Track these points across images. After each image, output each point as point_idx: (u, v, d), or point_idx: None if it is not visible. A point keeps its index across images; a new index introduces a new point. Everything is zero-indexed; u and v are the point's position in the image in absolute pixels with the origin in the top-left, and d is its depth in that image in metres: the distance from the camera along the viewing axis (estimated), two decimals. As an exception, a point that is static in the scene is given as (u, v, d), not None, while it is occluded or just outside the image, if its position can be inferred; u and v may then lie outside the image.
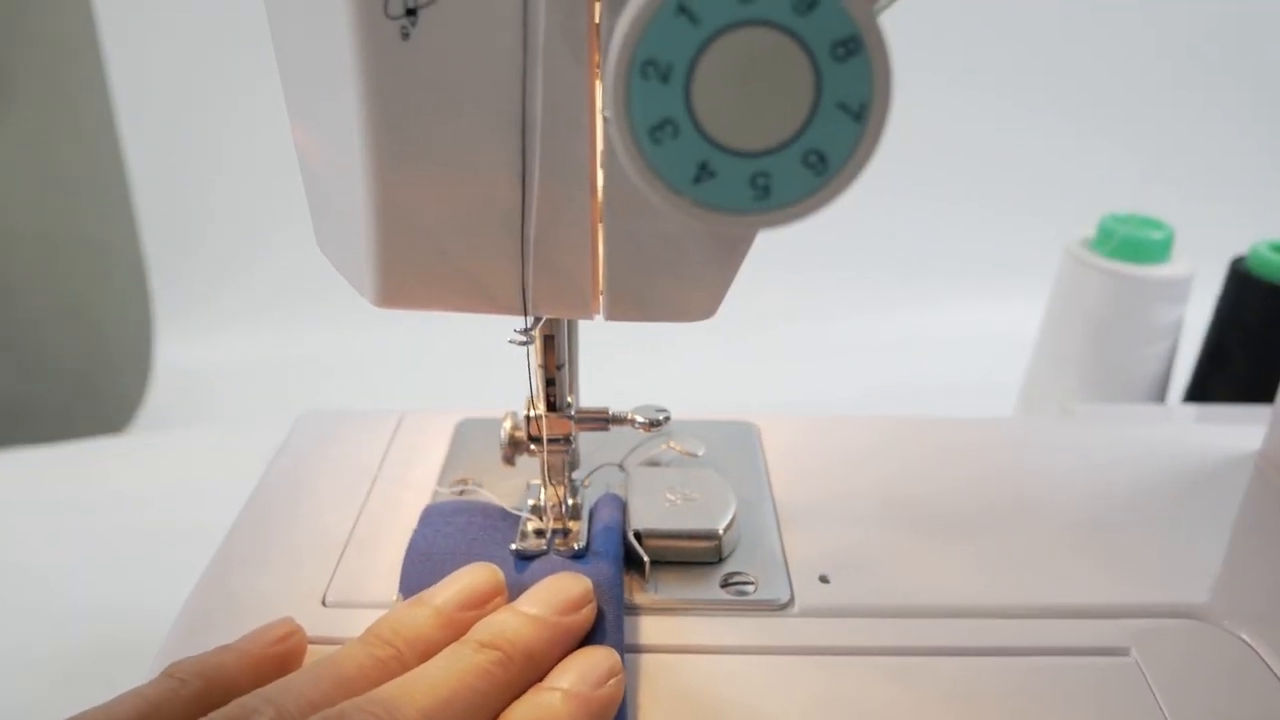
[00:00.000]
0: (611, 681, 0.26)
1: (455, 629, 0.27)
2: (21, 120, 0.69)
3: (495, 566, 0.29)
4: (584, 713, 0.25)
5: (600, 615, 0.29)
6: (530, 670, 0.26)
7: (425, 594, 0.28)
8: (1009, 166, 0.88)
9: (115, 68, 0.72)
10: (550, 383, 0.31)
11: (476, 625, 0.27)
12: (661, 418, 0.32)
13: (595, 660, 0.27)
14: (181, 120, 0.80)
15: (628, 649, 0.30)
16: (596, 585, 0.30)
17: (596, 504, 0.34)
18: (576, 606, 0.28)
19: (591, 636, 0.28)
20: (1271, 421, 0.41)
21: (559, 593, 0.28)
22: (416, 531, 0.33)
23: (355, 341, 0.78)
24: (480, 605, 0.28)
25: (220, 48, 0.77)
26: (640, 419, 0.32)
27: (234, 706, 0.23)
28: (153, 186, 0.77)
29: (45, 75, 0.70)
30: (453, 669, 0.24)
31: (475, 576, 0.29)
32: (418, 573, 0.31)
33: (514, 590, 0.30)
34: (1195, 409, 0.52)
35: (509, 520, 0.34)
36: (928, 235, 0.88)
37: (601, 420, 0.33)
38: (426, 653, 0.26)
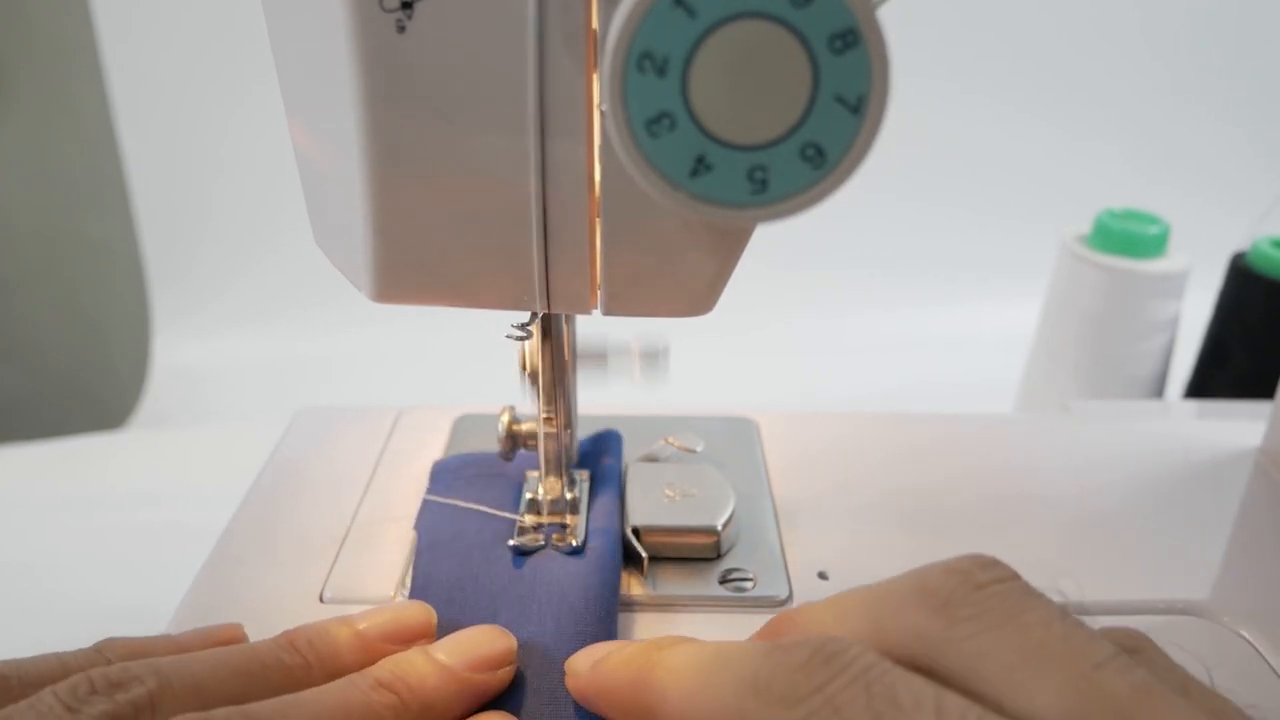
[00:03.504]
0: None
1: (370, 657, 0.26)
2: (21, 120, 0.69)
3: (430, 606, 0.28)
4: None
5: (593, 624, 0.29)
6: None
7: (352, 615, 0.27)
8: (1006, 165, 0.88)
9: (115, 68, 0.72)
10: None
11: (383, 661, 0.25)
12: (660, 346, 0.32)
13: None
14: (180, 120, 0.80)
15: (626, 645, 0.30)
16: (594, 582, 0.30)
17: (594, 495, 0.34)
18: (493, 665, 0.26)
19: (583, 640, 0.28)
20: (1272, 417, 0.41)
21: (479, 646, 0.26)
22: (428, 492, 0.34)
23: (353, 338, 0.78)
24: (404, 642, 0.27)
25: (220, 48, 0.77)
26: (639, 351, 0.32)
27: (118, 669, 0.22)
28: (151, 186, 0.77)
29: (45, 75, 0.70)
30: (340, 702, 0.23)
31: (408, 611, 0.28)
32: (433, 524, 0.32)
33: (513, 589, 0.30)
34: (1195, 405, 0.52)
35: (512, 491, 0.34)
36: (926, 233, 0.88)
37: (599, 357, 0.32)
38: (334, 671, 0.25)
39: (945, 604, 0.20)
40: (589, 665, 0.25)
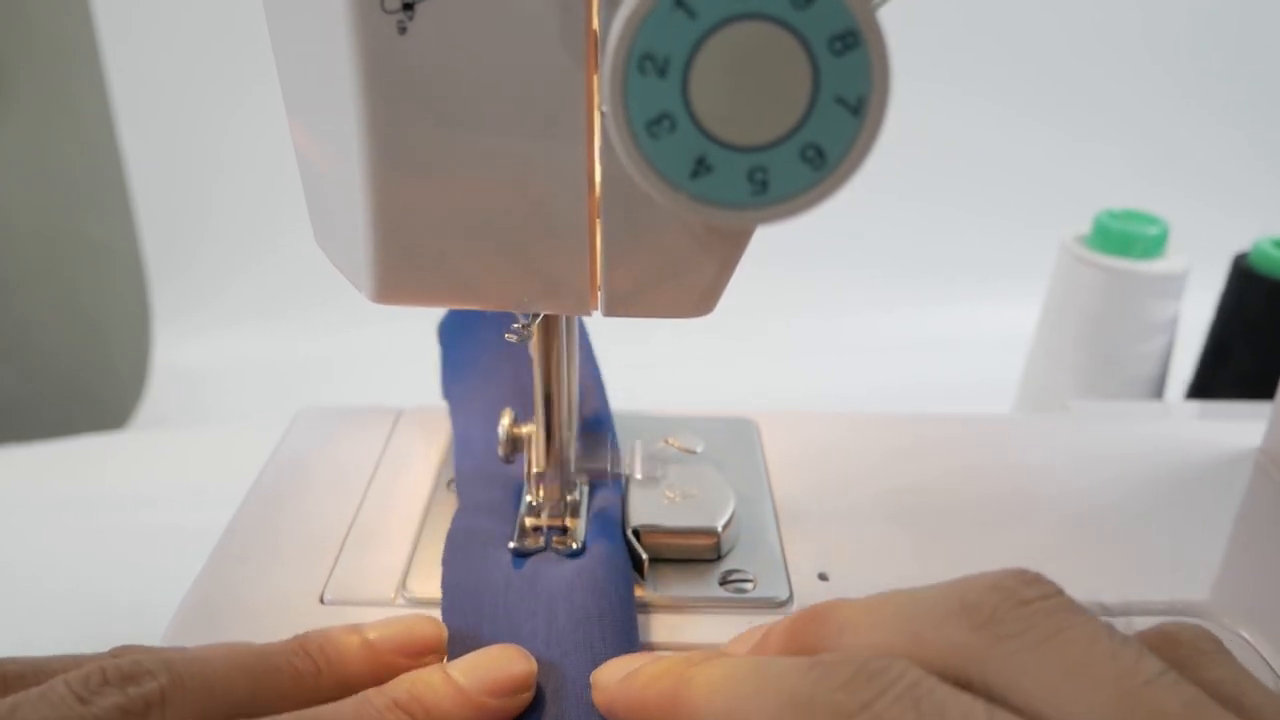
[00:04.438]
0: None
1: (379, 667, 0.26)
2: (21, 120, 0.69)
3: (441, 623, 0.28)
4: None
5: (609, 634, 0.28)
6: None
7: (363, 625, 0.27)
8: (1006, 165, 0.88)
9: (115, 68, 0.72)
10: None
11: (399, 679, 0.25)
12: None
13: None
14: (180, 120, 0.80)
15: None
16: (601, 587, 0.29)
17: (595, 500, 0.34)
18: (512, 690, 0.25)
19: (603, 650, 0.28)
20: (1272, 417, 0.41)
21: (498, 669, 0.26)
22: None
23: (353, 338, 0.78)
24: (414, 656, 0.27)
25: (220, 48, 0.77)
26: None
27: (130, 663, 0.22)
28: (152, 186, 0.77)
29: (45, 75, 0.70)
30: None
31: (419, 625, 0.27)
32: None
33: (513, 585, 0.30)
34: (1195, 405, 0.52)
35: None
36: (926, 234, 0.88)
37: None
38: (342, 681, 0.25)
39: (989, 620, 0.19)
40: (617, 679, 0.24)
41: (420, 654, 0.27)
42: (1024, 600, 0.19)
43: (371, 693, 0.24)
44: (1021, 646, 0.18)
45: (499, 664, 0.26)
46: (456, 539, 0.32)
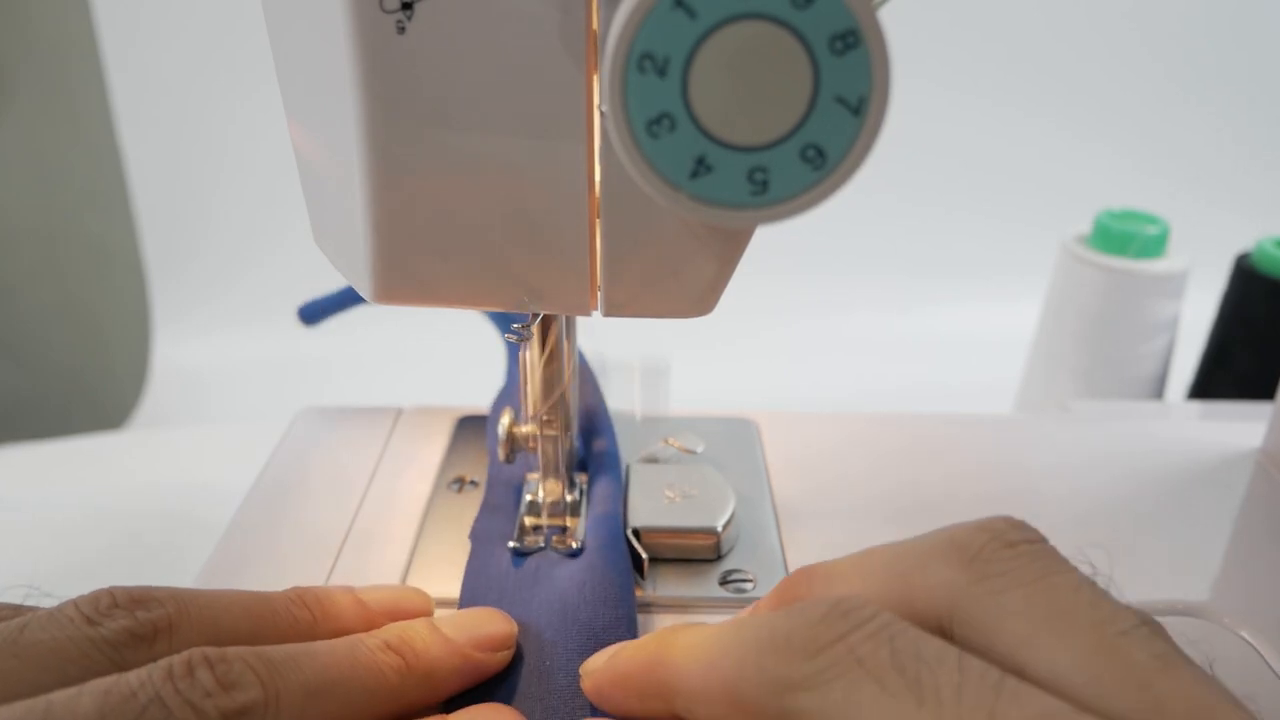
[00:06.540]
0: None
1: (372, 626, 0.26)
2: (21, 120, 0.69)
3: (427, 595, 0.29)
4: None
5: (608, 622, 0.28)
6: (425, 688, 0.25)
7: (358, 588, 0.28)
8: (1006, 165, 0.88)
9: (115, 68, 0.72)
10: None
11: (390, 625, 0.26)
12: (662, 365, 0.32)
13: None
14: (180, 120, 0.80)
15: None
16: (601, 587, 0.29)
17: (594, 499, 0.34)
18: (494, 647, 0.27)
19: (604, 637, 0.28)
20: (1272, 418, 0.41)
21: (482, 626, 0.27)
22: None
23: (353, 338, 0.78)
24: (402, 619, 0.27)
25: (220, 48, 0.77)
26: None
27: (140, 589, 0.22)
28: (151, 186, 0.77)
29: (45, 75, 0.70)
30: (349, 657, 0.23)
31: (408, 594, 0.29)
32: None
33: (511, 588, 0.30)
34: (1195, 405, 0.52)
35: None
36: (926, 234, 0.88)
37: None
38: (337, 632, 0.26)
39: (975, 558, 0.19)
40: (604, 660, 0.25)
41: (409, 619, 0.27)
42: (1010, 543, 0.20)
43: (363, 635, 0.25)
44: (1005, 585, 0.19)
45: (482, 622, 0.27)
46: (479, 537, 0.33)
